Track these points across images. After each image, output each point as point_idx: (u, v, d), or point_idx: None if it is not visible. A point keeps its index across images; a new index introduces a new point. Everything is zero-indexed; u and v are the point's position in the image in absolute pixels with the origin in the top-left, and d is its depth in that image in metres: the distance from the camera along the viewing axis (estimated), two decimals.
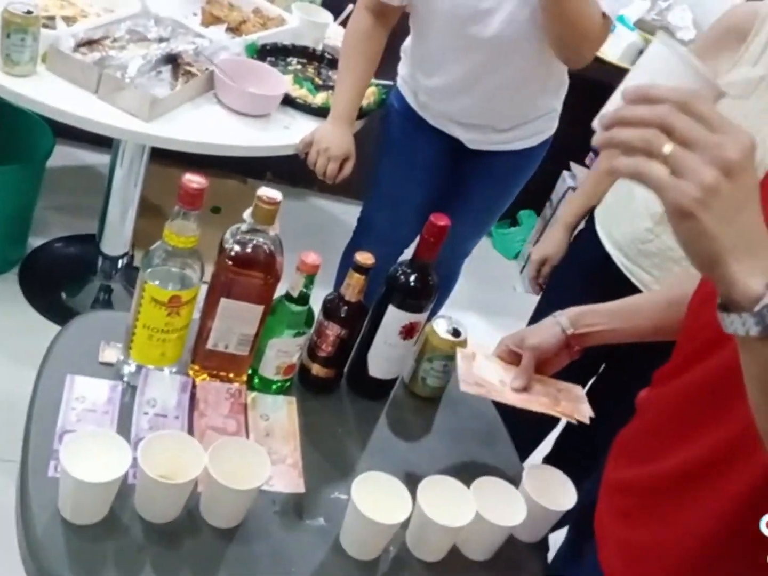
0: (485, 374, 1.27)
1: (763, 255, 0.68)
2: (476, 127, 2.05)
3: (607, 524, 1.05)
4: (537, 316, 1.80)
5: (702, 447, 0.91)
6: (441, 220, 1.23)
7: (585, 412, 1.26)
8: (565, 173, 3.50)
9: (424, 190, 2.21)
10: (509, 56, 1.86)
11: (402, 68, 2.12)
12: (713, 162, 0.66)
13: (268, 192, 1.11)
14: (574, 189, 3.37)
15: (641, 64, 0.80)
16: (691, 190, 0.66)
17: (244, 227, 1.15)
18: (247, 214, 1.14)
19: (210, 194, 1.10)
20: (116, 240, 2.44)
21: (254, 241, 1.14)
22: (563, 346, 1.26)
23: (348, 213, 3.50)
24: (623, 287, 1.59)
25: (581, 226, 1.89)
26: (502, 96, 1.96)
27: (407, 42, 2.07)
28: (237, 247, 1.14)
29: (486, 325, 3.23)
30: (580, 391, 1.31)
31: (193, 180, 1.06)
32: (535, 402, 1.24)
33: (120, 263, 2.49)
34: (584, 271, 1.78)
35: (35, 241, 2.64)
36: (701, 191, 0.66)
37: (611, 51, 3.12)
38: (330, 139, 1.95)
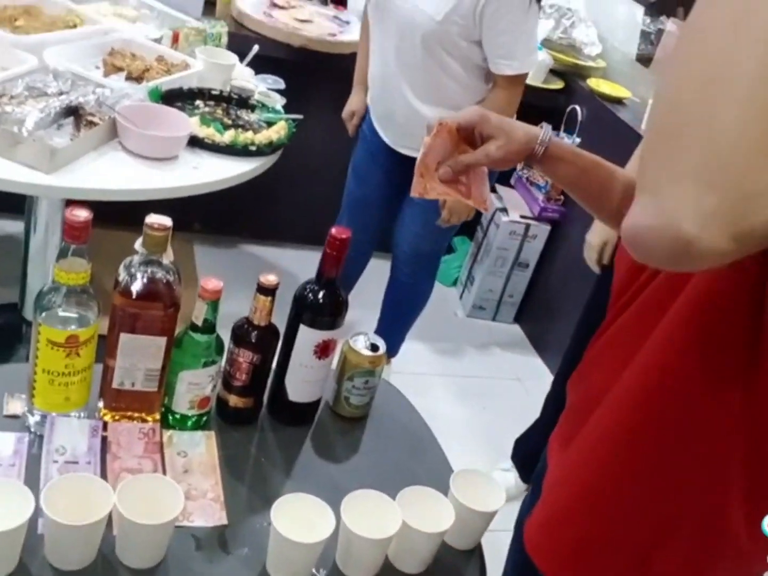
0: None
1: None
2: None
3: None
4: (600, 287, 2.11)
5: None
6: (342, 234, 1.21)
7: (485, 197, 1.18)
8: (491, 196, 3.54)
9: (381, 198, 2.62)
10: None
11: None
12: None
13: (156, 218, 1.09)
14: (502, 210, 3.40)
15: None
16: None
17: (136, 259, 1.12)
18: (138, 245, 1.11)
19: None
20: None
21: (148, 272, 1.12)
22: (527, 150, 1.11)
23: (279, 256, 3.48)
24: None
25: None
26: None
27: None
28: (131, 280, 1.11)
29: (430, 352, 3.23)
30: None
31: (78, 213, 1.04)
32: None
33: None
34: None
35: None
36: None
37: None
38: (344, 108, 2.64)
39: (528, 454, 2.54)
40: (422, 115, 2.25)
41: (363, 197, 2.64)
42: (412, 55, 2.21)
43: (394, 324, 2.84)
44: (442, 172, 1.11)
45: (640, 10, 3.29)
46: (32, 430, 1.17)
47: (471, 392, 3.07)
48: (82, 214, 1.04)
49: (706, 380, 0.85)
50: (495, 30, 2.12)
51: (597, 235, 2.15)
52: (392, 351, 2.92)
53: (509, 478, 2.55)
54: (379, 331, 2.95)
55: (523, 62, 2.21)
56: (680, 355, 0.86)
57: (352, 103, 2.62)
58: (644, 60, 3.29)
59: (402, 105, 2.32)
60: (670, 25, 3.17)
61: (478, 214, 3.51)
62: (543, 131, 1.10)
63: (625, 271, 0.99)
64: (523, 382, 3.21)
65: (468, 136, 1.13)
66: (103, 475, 1.12)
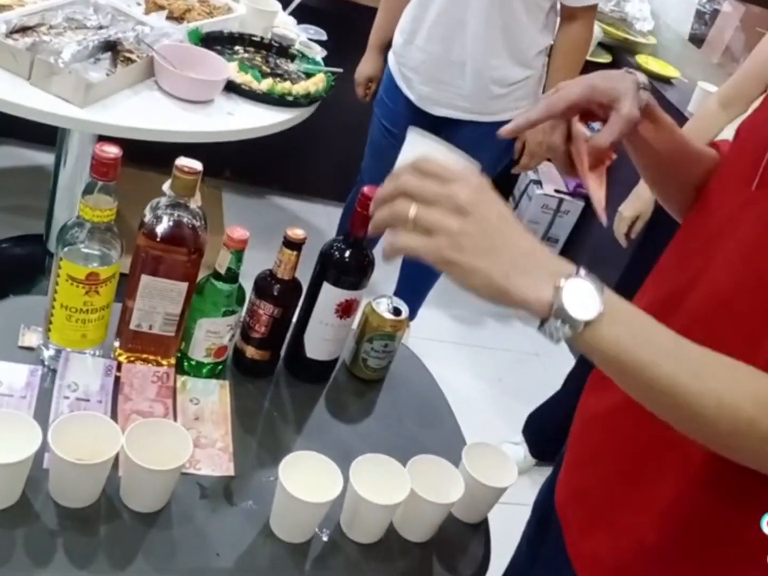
0: None
1: (535, 269, 0.72)
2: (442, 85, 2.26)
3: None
4: (631, 269, 2.13)
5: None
6: (374, 193, 1.18)
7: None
8: None
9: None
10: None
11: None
12: (450, 210, 0.72)
13: (186, 161, 1.07)
14: (536, 182, 3.35)
15: (403, 154, 0.89)
16: (442, 242, 0.71)
17: (163, 201, 1.10)
18: (166, 187, 1.09)
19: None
20: None
21: (175, 215, 1.09)
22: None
23: (308, 211, 3.46)
24: None
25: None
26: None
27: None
28: (156, 222, 1.09)
29: (450, 319, 3.21)
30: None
31: (107, 150, 1.02)
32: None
33: None
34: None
35: None
36: (450, 239, 0.71)
37: None
38: (357, 70, 2.53)
39: (540, 429, 2.52)
40: (479, 64, 2.19)
41: (380, 173, 2.57)
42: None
43: (413, 288, 2.82)
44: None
45: None
46: (46, 364, 1.16)
47: (488, 363, 3.05)
48: (112, 151, 1.02)
49: None
50: None
51: (631, 207, 2.13)
52: (410, 315, 2.90)
53: (519, 451, 2.54)
54: (397, 294, 2.94)
55: None
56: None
57: (369, 68, 2.53)
58: (696, 40, 3.21)
59: (455, 54, 2.20)
60: (726, 5, 3.08)
61: (513, 179, 3.46)
62: (639, 75, 0.95)
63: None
64: (541, 358, 3.18)
65: (585, 114, 0.96)
66: (114, 415, 1.11)
